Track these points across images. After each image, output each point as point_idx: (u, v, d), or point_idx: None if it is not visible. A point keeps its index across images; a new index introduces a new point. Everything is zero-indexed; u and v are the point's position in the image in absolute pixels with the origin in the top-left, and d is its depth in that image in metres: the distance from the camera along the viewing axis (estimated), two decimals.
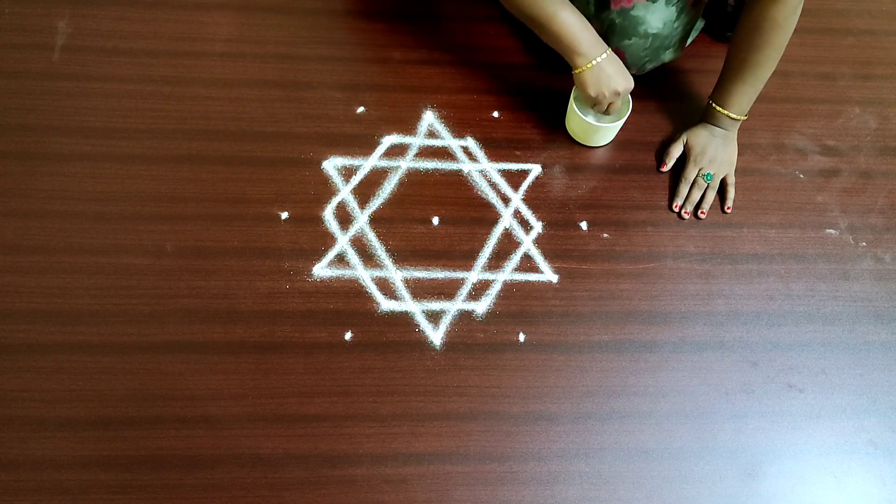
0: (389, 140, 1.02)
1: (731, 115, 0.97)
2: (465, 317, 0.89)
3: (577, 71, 0.92)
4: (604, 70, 0.91)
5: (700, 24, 1.11)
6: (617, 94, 0.92)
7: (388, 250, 0.93)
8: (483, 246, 0.94)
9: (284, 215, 0.94)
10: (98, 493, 0.76)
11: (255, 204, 0.95)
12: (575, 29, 0.89)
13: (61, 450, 0.78)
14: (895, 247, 0.99)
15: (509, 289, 0.92)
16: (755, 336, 0.91)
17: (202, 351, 0.84)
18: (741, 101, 0.96)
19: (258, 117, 1.02)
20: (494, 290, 0.91)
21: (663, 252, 0.96)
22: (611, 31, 0.97)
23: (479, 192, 0.99)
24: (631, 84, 0.93)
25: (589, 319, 0.90)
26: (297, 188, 0.96)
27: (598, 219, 0.98)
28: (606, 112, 0.97)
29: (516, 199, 0.99)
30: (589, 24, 0.91)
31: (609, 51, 0.92)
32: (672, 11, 0.94)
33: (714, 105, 0.98)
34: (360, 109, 1.04)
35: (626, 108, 0.99)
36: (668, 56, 1.02)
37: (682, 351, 0.89)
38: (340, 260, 0.92)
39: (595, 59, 0.90)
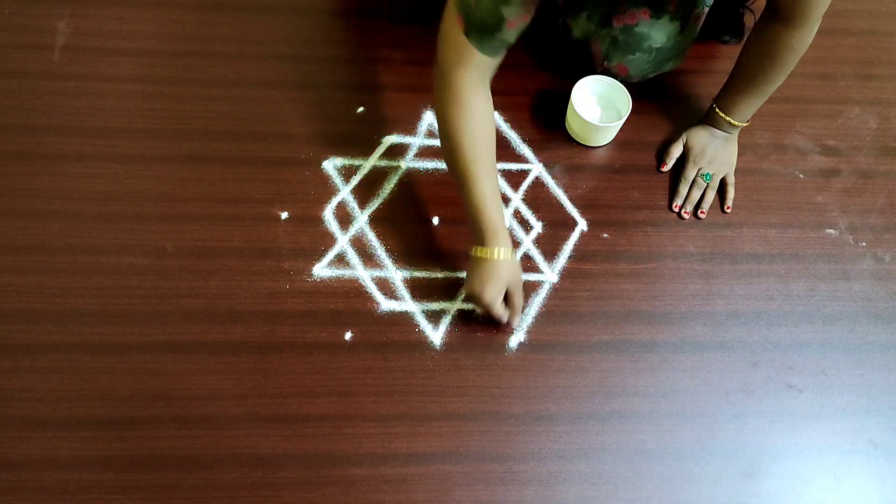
0: (389, 140, 1.02)
1: (734, 122, 0.97)
2: (465, 317, 0.89)
3: (473, 253, 0.83)
4: (489, 269, 0.80)
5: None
6: (480, 302, 0.81)
7: (388, 250, 0.93)
8: None
9: (284, 215, 0.94)
10: (98, 493, 0.76)
11: (255, 204, 0.95)
12: (493, 209, 0.80)
13: (61, 450, 0.78)
14: (895, 247, 0.99)
15: None
16: (755, 336, 0.91)
17: (202, 351, 0.84)
18: (745, 111, 0.96)
19: (258, 117, 1.02)
20: None
21: (663, 252, 0.96)
22: (613, 47, 0.97)
23: None
24: (494, 302, 0.81)
25: (589, 319, 0.90)
26: (297, 188, 0.96)
27: (598, 219, 0.98)
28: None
29: (516, 199, 0.99)
30: (501, 211, 0.82)
31: (512, 254, 0.82)
32: (676, 25, 0.94)
33: (718, 110, 0.98)
34: (360, 109, 1.04)
35: (626, 108, 0.99)
36: (670, 66, 1.02)
37: (682, 351, 0.89)
38: (340, 260, 0.92)
39: (492, 254, 0.80)
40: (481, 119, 0.81)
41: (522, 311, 0.88)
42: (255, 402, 0.82)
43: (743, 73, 0.93)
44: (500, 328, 0.88)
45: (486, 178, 0.81)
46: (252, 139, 1.00)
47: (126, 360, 0.83)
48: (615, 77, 1.02)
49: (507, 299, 0.84)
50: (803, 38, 0.85)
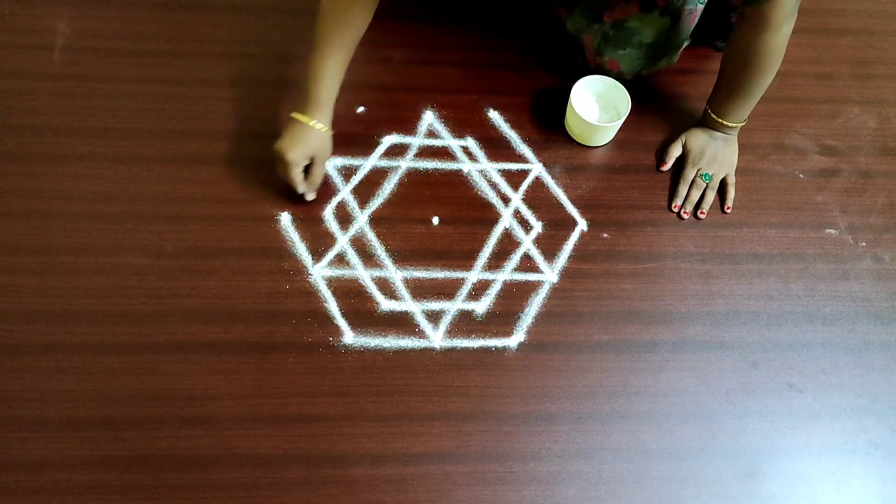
0: (389, 140, 1.02)
1: (728, 123, 0.97)
2: (465, 317, 0.89)
3: (292, 115, 0.89)
4: (302, 132, 0.88)
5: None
6: (281, 157, 0.88)
7: (388, 250, 0.93)
8: (483, 246, 0.94)
9: (284, 215, 0.94)
10: (98, 493, 0.76)
11: (255, 204, 0.95)
12: (320, 80, 0.87)
13: (61, 450, 0.78)
14: (895, 247, 0.99)
15: (509, 289, 0.92)
16: (755, 336, 0.91)
17: (202, 351, 0.84)
18: (737, 113, 0.96)
19: (258, 117, 1.02)
20: (494, 290, 0.91)
21: (663, 252, 0.96)
22: (604, 43, 0.97)
23: (479, 192, 0.99)
24: (296, 162, 0.88)
25: (589, 319, 0.90)
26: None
27: (598, 219, 0.98)
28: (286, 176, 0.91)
29: (516, 198, 0.99)
30: (334, 90, 0.89)
31: (322, 128, 0.89)
32: (666, 21, 0.94)
33: (711, 113, 0.98)
34: (360, 109, 1.04)
35: (626, 108, 0.99)
36: (663, 64, 1.02)
37: (682, 351, 0.89)
38: (340, 260, 0.92)
39: (308, 120, 0.88)
40: (362, 14, 0.88)
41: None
42: (254, 402, 0.82)
43: (726, 77, 0.94)
44: (300, 201, 0.94)
45: (338, 56, 0.87)
46: (252, 139, 1.00)
47: (126, 361, 0.83)
48: (608, 73, 1.02)
49: (308, 171, 0.91)
50: (772, 41, 0.85)
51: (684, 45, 1.03)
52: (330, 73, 0.88)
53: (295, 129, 0.89)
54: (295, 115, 0.89)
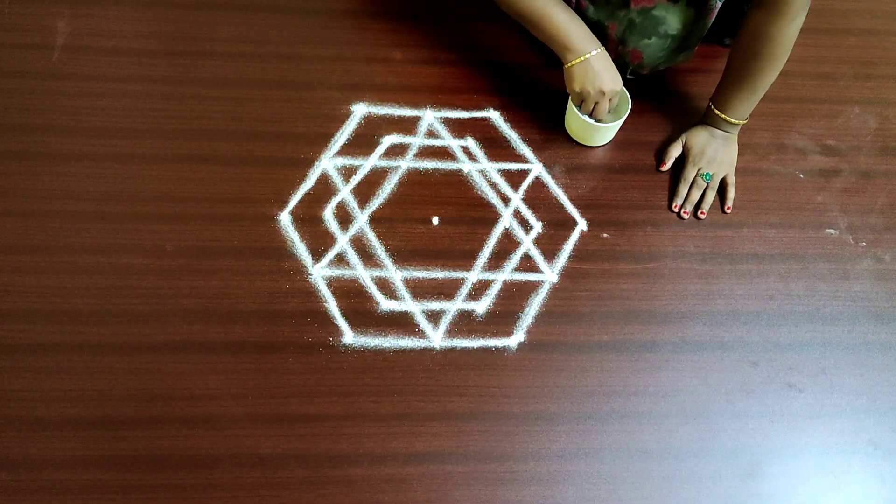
0: (389, 140, 1.02)
1: (730, 119, 0.97)
2: (465, 317, 0.89)
3: (566, 65, 0.93)
4: (591, 66, 0.91)
5: None
6: (602, 93, 0.93)
7: (387, 250, 0.93)
8: (483, 246, 0.94)
9: (284, 215, 0.94)
10: (98, 493, 0.76)
11: (255, 204, 0.95)
12: (566, 25, 0.91)
13: (61, 450, 0.78)
14: (895, 247, 0.99)
15: (509, 289, 0.92)
16: (755, 336, 0.91)
17: (202, 351, 0.84)
18: (741, 108, 0.96)
19: (258, 117, 1.02)
20: (494, 290, 0.91)
21: (663, 252, 0.96)
22: (630, 30, 0.96)
23: (479, 192, 0.99)
24: (619, 86, 0.94)
25: (589, 319, 0.90)
26: (297, 188, 0.96)
27: (598, 219, 0.98)
28: (593, 114, 0.96)
29: (516, 198, 0.99)
30: (581, 21, 0.93)
31: (601, 49, 0.92)
32: (691, 14, 0.94)
33: (714, 109, 0.98)
34: (361, 109, 1.04)
35: (626, 108, 0.99)
36: (681, 59, 1.02)
37: (682, 351, 0.89)
38: (340, 260, 0.92)
39: (585, 55, 0.91)
40: None
41: None
42: (254, 402, 0.82)
43: (733, 68, 0.94)
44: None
45: (560, 6, 0.92)
46: (252, 139, 1.00)
47: (125, 360, 0.83)
48: (627, 65, 1.01)
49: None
50: (783, 28, 0.86)
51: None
52: (564, 9, 0.92)
53: (587, 67, 0.91)
54: (573, 62, 0.92)
